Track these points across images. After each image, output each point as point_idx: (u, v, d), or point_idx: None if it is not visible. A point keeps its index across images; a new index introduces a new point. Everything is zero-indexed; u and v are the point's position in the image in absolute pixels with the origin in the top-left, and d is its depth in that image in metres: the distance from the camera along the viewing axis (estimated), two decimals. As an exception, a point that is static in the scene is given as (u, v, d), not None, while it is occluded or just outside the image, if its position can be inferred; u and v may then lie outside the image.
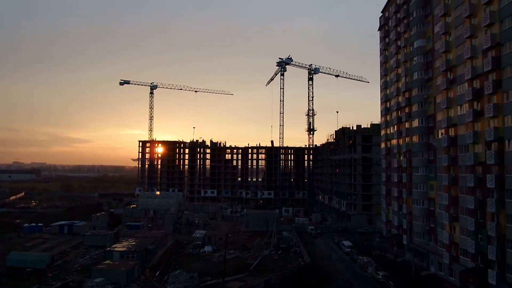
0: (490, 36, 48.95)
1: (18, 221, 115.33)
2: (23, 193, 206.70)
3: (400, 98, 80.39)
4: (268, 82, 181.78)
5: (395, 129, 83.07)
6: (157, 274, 64.49)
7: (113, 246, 77.24)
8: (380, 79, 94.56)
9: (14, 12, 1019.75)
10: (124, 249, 73.23)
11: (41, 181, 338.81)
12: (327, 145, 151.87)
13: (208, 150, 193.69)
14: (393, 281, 58.85)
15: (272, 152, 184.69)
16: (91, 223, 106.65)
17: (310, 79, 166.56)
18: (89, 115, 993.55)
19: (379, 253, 79.94)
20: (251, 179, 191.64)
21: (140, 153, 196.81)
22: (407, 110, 76.67)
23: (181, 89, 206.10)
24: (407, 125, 76.68)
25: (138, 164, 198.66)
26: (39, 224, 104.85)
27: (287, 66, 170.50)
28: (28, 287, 56.17)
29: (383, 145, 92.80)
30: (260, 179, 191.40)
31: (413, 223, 72.28)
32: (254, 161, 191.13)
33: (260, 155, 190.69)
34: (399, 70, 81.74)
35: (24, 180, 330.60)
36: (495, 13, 48.76)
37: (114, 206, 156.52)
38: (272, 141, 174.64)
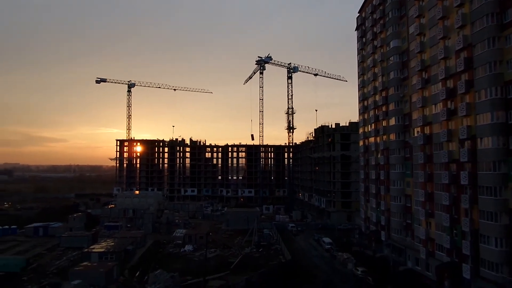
0: (463, 37, 50.36)
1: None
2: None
3: (377, 97, 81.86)
4: (246, 81, 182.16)
5: (373, 127, 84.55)
6: (136, 274, 63.79)
7: (91, 247, 75.91)
8: (358, 78, 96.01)
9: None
10: (102, 250, 72.08)
11: (14, 182, 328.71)
12: (306, 143, 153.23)
13: (187, 149, 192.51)
14: (372, 277, 60.05)
15: (252, 150, 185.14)
16: (68, 225, 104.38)
17: (289, 77, 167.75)
18: (64, 114, 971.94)
19: (358, 249, 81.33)
20: (232, 177, 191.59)
21: (118, 152, 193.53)
22: (384, 108, 78.11)
23: (159, 87, 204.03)
24: (384, 123, 78.15)
25: (116, 163, 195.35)
26: (12, 227, 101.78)
27: (266, 65, 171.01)
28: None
29: (361, 143, 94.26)
30: (240, 177, 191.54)
31: (391, 219, 73.79)
32: (235, 159, 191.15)
33: (240, 153, 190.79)
34: (376, 70, 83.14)
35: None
36: (466, 15, 50.17)
37: (92, 206, 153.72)
38: (252, 135, 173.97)
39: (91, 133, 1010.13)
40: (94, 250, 72.07)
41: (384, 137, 77.74)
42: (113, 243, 77.70)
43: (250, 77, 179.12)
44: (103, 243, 78.74)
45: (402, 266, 66.68)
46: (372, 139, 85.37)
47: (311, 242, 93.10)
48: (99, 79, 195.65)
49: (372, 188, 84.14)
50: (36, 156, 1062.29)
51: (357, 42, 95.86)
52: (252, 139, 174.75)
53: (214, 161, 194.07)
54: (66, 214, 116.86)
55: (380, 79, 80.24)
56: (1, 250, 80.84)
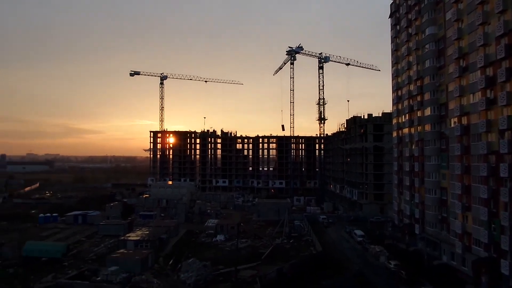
0: (503, 22, 47.90)
1: (33, 211, 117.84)
2: (37, 184, 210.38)
3: (412, 87, 79.46)
4: (276, 71, 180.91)
5: (407, 117, 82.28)
6: (170, 262, 65.61)
7: (127, 235, 78.59)
8: (392, 67, 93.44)
9: (26, 4, 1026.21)
10: (138, 238, 74.47)
11: (55, 172, 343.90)
12: (338, 134, 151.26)
13: (219, 140, 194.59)
14: (405, 271, 58.89)
15: (283, 142, 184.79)
16: (105, 213, 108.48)
17: (321, 67, 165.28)
18: (100, 106, 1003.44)
19: (391, 242, 79.97)
20: (262, 168, 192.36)
21: (152, 144, 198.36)
22: (419, 98, 75.78)
23: (191, 79, 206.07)
24: (419, 113, 75.87)
25: (150, 154, 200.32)
26: (54, 215, 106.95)
27: (297, 55, 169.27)
28: (45, 276, 57.57)
29: (394, 134, 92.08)
30: (271, 168, 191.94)
31: (425, 212, 71.96)
32: (265, 151, 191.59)
33: (271, 144, 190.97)
34: (411, 58, 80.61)
35: (38, 172, 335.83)
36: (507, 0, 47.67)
37: (127, 196, 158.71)
38: (282, 125, 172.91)
39: (126, 124, 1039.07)
40: (130, 238, 74.59)
41: (419, 127, 75.55)
42: (147, 232, 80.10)
43: (280, 68, 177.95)
44: (138, 232, 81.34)
45: (436, 260, 65.07)
46: (406, 130, 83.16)
47: (343, 234, 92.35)
48: (133, 72, 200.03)
49: (406, 180, 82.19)
50: (75, 147, 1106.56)
51: (391, 30, 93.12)
52: (283, 129, 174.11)
53: (245, 152, 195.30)
54: (103, 203, 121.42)
55: (415, 67, 77.78)
56: (44, 237, 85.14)
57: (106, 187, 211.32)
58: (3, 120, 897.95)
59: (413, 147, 78.36)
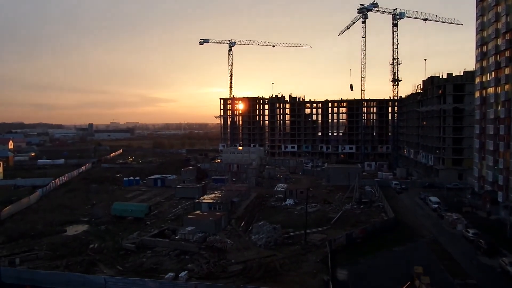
0: None
1: (118, 175, 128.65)
2: (121, 150, 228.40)
3: (500, 41, 71.80)
4: (342, 31, 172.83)
5: (493, 75, 75.12)
6: (242, 224, 68.48)
7: (201, 198, 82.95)
8: (476, 20, 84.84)
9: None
10: (211, 201, 78.35)
11: (135, 139, 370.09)
12: (413, 96, 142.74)
13: (287, 105, 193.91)
14: (484, 240, 55.54)
15: (354, 105, 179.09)
16: (181, 177, 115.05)
17: (395, 25, 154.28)
18: (173, 75, 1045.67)
19: (470, 210, 75.58)
20: (332, 133, 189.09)
21: (222, 110, 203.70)
22: (507, 54, 68.51)
23: (258, 44, 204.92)
24: (507, 70, 68.81)
25: (221, 121, 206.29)
26: (136, 178, 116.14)
27: (368, 13, 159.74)
28: (131, 233, 63.38)
29: (477, 94, 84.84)
30: (341, 133, 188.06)
31: (510, 178, 66.47)
32: (335, 115, 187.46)
33: (340, 108, 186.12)
34: (499, 8, 72.40)
35: (121, 139, 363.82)
36: None
37: (201, 161, 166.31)
38: (351, 85, 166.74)
39: (197, 92, 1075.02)
40: (204, 201, 78.73)
41: (506, 86, 68.75)
42: (220, 195, 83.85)
43: (348, 27, 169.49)
44: (211, 195, 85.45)
45: (522, 229, 60.46)
46: (491, 90, 76.14)
47: (417, 200, 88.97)
48: (202, 40, 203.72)
49: (490, 144, 76.08)
50: (152, 115, 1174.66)
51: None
52: (351, 89, 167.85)
53: (314, 117, 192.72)
54: (179, 168, 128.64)
55: (503, 19, 69.95)
56: (129, 198, 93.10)
57: (181, 152, 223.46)
58: (89, 92, 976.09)
59: (499, 108, 71.80)
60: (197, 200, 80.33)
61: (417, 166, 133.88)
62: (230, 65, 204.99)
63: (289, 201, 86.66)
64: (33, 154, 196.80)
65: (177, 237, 59.07)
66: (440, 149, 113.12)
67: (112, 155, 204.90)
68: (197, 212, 72.41)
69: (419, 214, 76.80)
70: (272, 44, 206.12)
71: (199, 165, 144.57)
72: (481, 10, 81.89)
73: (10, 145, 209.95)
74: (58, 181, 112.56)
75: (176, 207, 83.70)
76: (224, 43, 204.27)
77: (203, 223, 63.50)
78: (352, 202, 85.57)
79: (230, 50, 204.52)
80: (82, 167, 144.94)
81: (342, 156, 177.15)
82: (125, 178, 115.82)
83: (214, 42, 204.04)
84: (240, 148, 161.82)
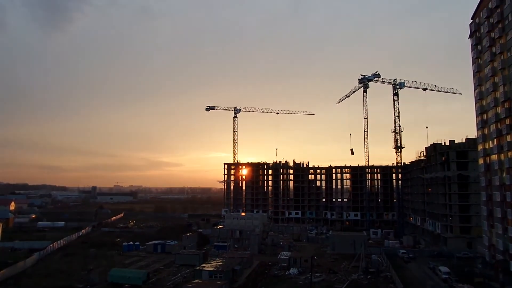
0: None
1: (118, 240, 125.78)
2: (122, 214, 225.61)
3: (499, 109, 73.44)
4: (341, 100, 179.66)
5: (495, 143, 75.72)
6: (243, 294, 65.29)
7: (202, 265, 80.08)
8: (474, 90, 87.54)
9: (113, 49, 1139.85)
10: (212, 268, 75.54)
11: (138, 202, 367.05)
12: (417, 162, 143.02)
13: (291, 171, 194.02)
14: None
15: (358, 171, 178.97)
16: (182, 243, 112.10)
17: (395, 94, 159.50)
18: (179, 140, 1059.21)
19: (482, 281, 72.01)
20: (336, 199, 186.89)
21: (226, 175, 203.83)
22: (507, 121, 69.64)
23: (263, 111, 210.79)
24: (508, 138, 69.45)
25: (224, 185, 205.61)
26: (136, 243, 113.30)
27: (369, 83, 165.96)
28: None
29: (481, 161, 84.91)
30: (345, 200, 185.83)
31: (523, 248, 64.25)
32: (339, 181, 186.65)
33: (344, 174, 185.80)
34: (496, 79, 74.98)
35: (124, 202, 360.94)
36: None
37: (202, 226, 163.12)
38: (351, 149, 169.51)
39: (202, 157, 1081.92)
40: (205, 269, 75.90)
41: (509, 153, 68.91)
42: (222, 263, 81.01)
43: (347, 96, 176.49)
44: (212, 262, 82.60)
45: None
46: (494, 157, 76.31)
47: (426, 270, 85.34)
48: (208, 107, 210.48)
49: (497, 211, 74.60)
50: (156, 179, 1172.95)
51: (471, 51, 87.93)
52: (352, 153, 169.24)
53: (318, 183, 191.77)
54: (180, 233, 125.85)
55: (501, 88, 72.13)
56: (127, 264, 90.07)
57: (183, 217, 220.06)
58: (95, 155, 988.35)
59: (504, 175, 71.43)
60: (198, 268, 77.49)
61: (424, 233, 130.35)
62: (235, 131, 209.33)
63: (293, 270, 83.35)
64: (33, 216, 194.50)
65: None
66: (447, 216, 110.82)
67: (113, 218, 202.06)
68: (197, 280, 69.50)
69: (429, 285, 73.10)
70: (276, 112, 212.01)
71: (200, 230, 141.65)
72: (479, 80, 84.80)
73: (12, 206, 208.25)
74: (56, 244, 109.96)
75: (176, 275, 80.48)
76: (229, 110, 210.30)
77: (203, 292, 60.62)
78: (359, 271, 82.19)
79: (235, 117, 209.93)
80: (82, 231, 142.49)
81: (347, 223, 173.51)
82: (125, 243, 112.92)
83: (220, 109, 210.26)
84: (243, 213, 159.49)
